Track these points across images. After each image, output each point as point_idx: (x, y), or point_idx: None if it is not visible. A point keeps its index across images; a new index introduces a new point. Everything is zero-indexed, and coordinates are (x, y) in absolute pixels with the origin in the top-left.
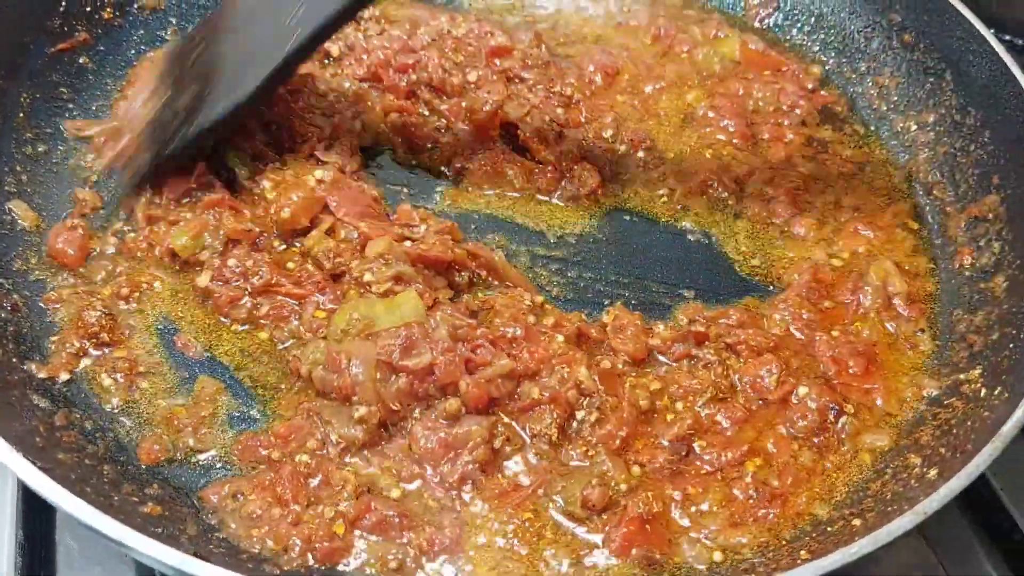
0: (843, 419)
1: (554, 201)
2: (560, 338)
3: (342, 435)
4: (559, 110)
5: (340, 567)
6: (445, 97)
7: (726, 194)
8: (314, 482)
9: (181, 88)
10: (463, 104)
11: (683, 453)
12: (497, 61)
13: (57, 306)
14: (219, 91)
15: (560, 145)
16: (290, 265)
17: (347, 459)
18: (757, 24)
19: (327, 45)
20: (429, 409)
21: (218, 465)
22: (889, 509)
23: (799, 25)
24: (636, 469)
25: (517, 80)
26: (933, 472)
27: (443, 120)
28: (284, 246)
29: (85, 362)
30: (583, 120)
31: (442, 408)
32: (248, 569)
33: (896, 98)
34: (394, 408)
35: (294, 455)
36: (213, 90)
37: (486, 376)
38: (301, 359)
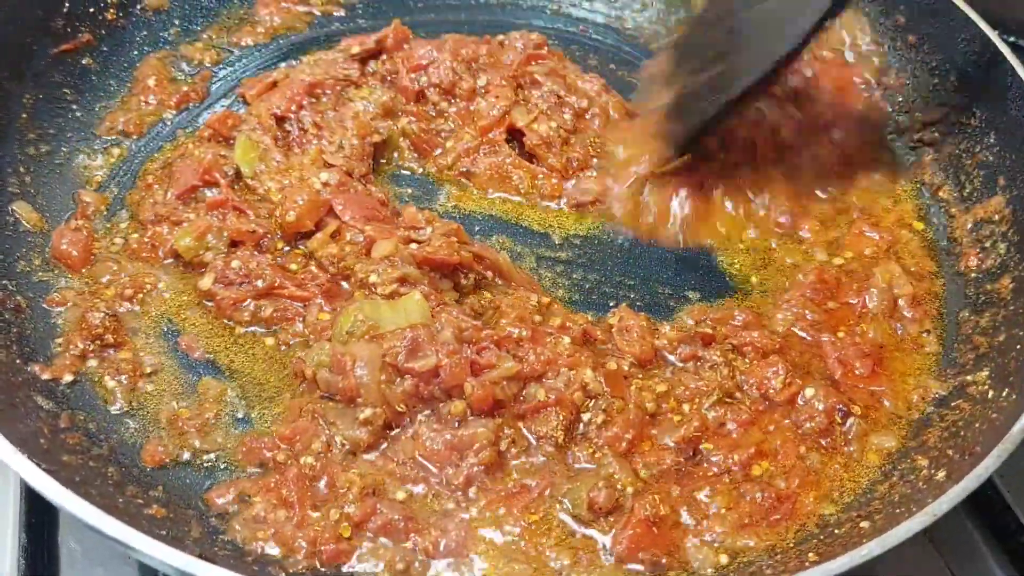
0: (850, 420)
1: (560, 205)
2: (566, 339)
3: (347, 437)
4: (567, 116)
5: (346, 569)
6: (454, 100)
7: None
8: (319, 484)
9: (701, 68)
10: (471, 108)
11: (690, 455)
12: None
13: (61, 308)
14: (744, 60)
15: (567, 152)
16: (293, 267)
17: (352, 461)
18: None
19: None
20: (434, 411)
21: (222, 467)
22: (897, 511)
23: None
24: (643, 471)
25: (530, 86)
26: (941, 474)
27: (450, 123)
28: (288, 247)
29: (89, 364)
30: (595, 129)
31: (447, 410)
32: (253, 572)
33: (900, 99)
34: (399, 410)
35: (299, 457)
36: (737, 61)
37: (491, 378)
38: (306, 361)
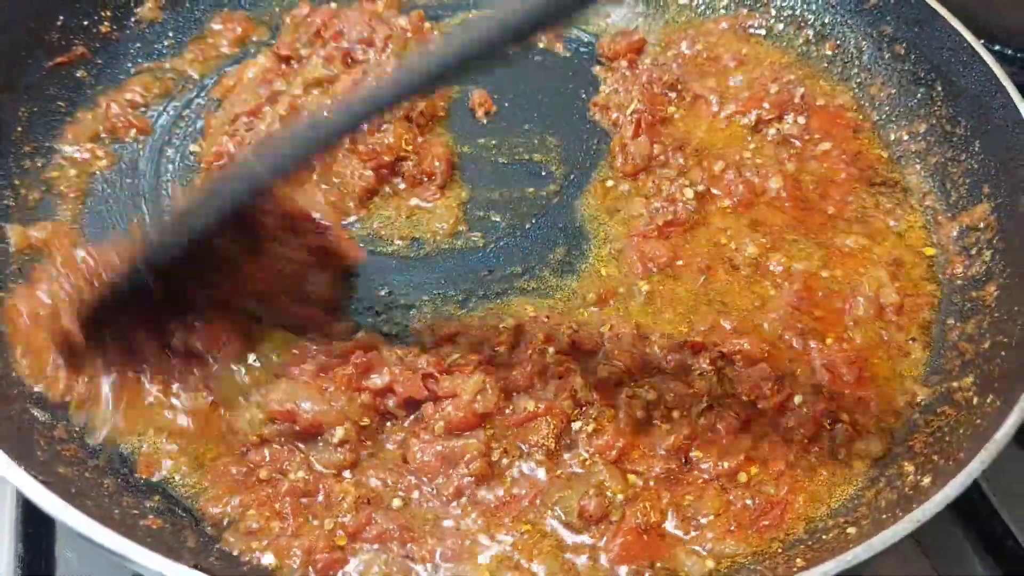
0: (838, 427)
1: None
2: (551, 351)
3: (325, 462)
4: None
5: None
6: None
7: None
8: (313, 496)
9: None
10: None
11: (680, 462)
12: None
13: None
14: None
15: None
16: None
17: (343, 475)
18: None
19: None
20: (423, 423)
21: (218, 477)
22: (883, 517)
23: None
24: (633, 479)
25: None
26: (927, 479)
27: None
28: None
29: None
30: None
31: (430, 428)
32: None
33: (887, 108)
34: (363, 424)
35: (287, 473)
36: None
37: (461, 404)
38: (245, 429)
